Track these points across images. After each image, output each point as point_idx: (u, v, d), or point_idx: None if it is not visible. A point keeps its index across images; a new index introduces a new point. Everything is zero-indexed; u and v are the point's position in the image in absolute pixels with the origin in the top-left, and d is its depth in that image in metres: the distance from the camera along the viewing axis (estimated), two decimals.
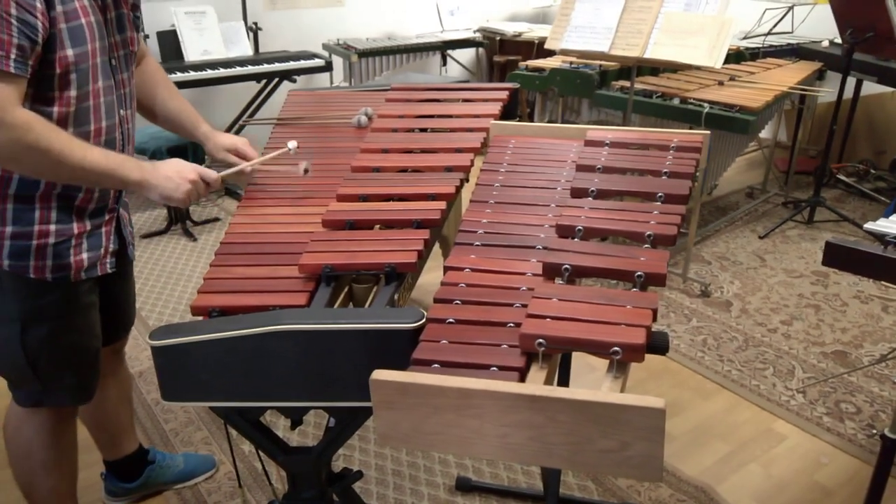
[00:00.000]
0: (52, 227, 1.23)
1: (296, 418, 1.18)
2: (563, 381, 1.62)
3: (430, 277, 2.27)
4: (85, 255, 1.28)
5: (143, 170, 1.21)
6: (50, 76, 1.13)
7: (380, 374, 0.81)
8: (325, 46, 4.24)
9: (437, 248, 1.96)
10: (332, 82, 4.20)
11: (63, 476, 1.46)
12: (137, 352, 2.40)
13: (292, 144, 1.43)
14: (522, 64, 3.47)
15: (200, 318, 1.12)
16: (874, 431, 2.06)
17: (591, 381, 2.23)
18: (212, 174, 1.27)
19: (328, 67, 3.87)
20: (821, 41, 3.86)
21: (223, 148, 1.47)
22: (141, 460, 1.77)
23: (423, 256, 1.23)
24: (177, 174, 1.23)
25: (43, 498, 1.46)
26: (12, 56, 1.05)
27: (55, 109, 1.16)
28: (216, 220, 3.60)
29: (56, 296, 1.28)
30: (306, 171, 1.43)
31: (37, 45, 1.08)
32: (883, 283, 2.94)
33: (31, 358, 1.29)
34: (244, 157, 1.47)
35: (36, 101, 1.14)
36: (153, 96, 1.48)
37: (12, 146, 1.07)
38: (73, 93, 1.17)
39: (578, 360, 1.89)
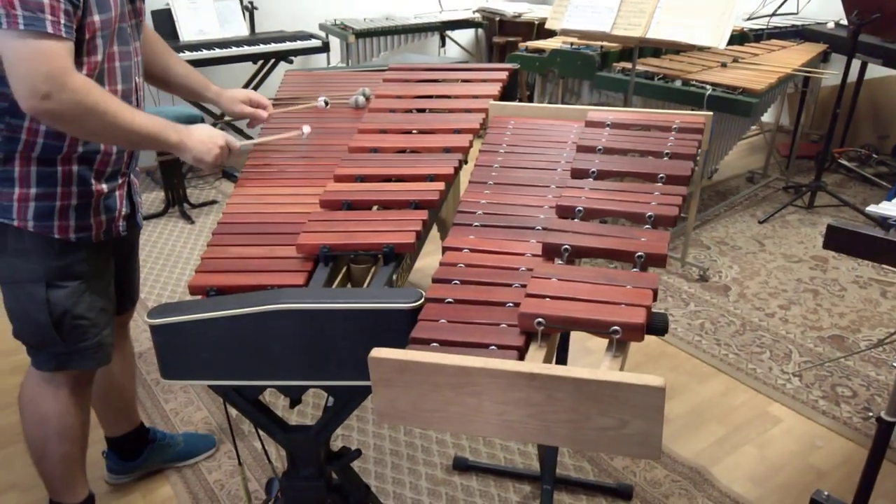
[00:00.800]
0: (74, 189, 1.28)
1: (294, 397, 1.18)
2: (561, 364, 1.62)
3: (429, 261, 2.27)
4: (103, 217, 1.34)
5: (180, 133, 1.27)
6: (81, 41, 1.17)
7: (379, 353, 0.81)
8: (321, 27, 4.19)
9: (434, 232, 1.95)
10: (328, 63, 4.16)
11: (76, 443, 1.49)
12: (137, 333, 2.40)
13: (307, 129, 1.50)
14: (522, 45, 3.44)
15: (198, 297, 1.12)
16: (870, 414, 2.08)
17: (588, 364, 2.24)
18: (235, 142, 1.34)
19: (325, 48, 3.83)
20: (826, 22, 3.82)
21: (238, 100, 1.55)
22: (142, 439, 1.78)
23: (421, 237, 1.22)
24: (209, 139, 1.29)
25: (54, 465, 1.49)
26: (62, 21, 1.09)
27: (83, 74, 1.19)
28: (213, 202, 3.59)
29: (79, 256, 1.32)
30: (327, 103, 1.47)
31: (78, 10, 1.12)
32: (882, 267, 2.94)
33: (56, 318, 1.33)
34: (258, 106, 1.57)
35: None
36: (166, 65, 1.52)
37: (75, 108, 1.11)
38: (98, 58, 1.22)
39: (576, 343, 1.89)
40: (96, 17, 1.18)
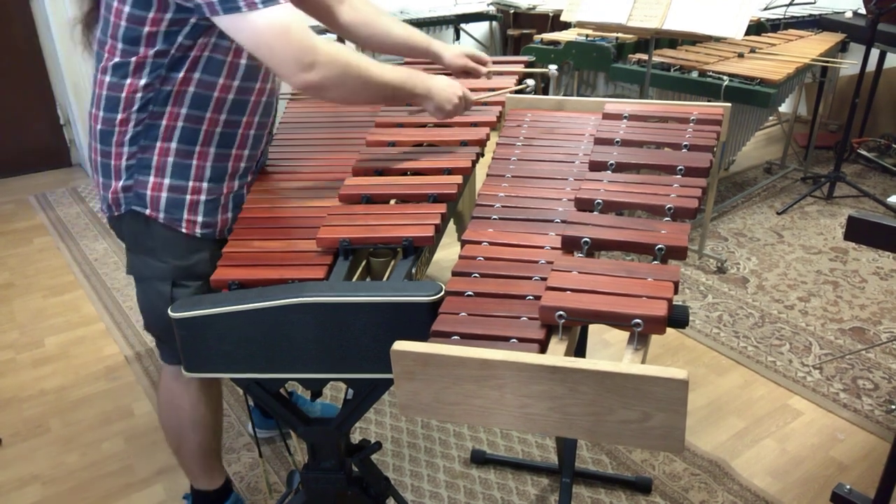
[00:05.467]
0: (205, 185, 1.29)
1: (315, 389, 1.19)
2: (579, 356, 1.62)
3: (445, 254, 2.28)
4: (230, 215, 1.34)
5: (426, 82, 1.29)
6: (221, 62, 1.19)
7: (401, 346, 0.81)
8: None
9: (450, 225, 1.95)
10: None
11: (209, 432, 1.53)
12: None
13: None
14: (537, 37, 3.42)
15: (220, 290, 1.13)
16: (893, 407, 2.05)
17: (606, 356, 2.23)
18: (471, 95, 1.37)
19: (340, 41, 3.83)
20: (844, 12, 3.76)
21: (463, 54, 1.61)
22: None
23: (440, 230, 1.23)
24: (449, 87, 1.32)
25: (190, 452, 1.55)
26: None
27: (215, 95, 1.21)
28: None
29: (203, 255, 1.33)
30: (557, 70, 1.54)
31: None
32: None
33: None
34: (478, 61, 1.63)
35: (200, 85, 1.20)
36: (381, 25, 1.56)
37: (336, 69, 1.12)
38: (235, 83, 1.22)
39: (593, 336, 1.88)
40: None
